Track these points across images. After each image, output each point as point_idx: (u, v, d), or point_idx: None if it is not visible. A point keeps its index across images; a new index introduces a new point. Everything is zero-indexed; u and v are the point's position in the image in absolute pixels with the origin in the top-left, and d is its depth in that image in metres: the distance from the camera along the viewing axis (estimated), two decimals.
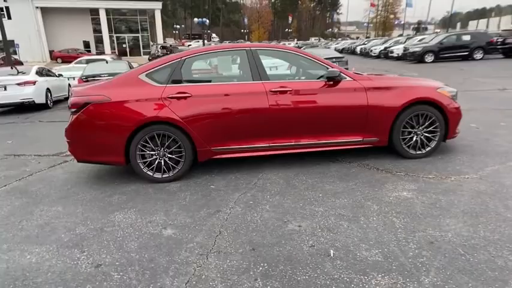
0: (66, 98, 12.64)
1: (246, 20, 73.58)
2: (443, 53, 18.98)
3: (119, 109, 3.64)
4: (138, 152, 3.70)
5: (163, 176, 3.79)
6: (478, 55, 18.73)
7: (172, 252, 2.46)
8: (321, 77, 3.93)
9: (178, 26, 69.80)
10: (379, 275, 2.09)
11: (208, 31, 64.82)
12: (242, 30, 78.00)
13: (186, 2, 78.90)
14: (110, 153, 3.74)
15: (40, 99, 10.00)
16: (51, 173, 4.42)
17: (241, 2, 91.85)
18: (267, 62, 10.97)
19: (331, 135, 3.93)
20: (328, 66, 3.91)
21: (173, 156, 3.77)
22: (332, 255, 2.31)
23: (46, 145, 5.93)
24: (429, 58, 19.17)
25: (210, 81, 3.93)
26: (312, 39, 69.01)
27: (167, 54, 33.72)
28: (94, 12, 33.87)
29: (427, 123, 4.00)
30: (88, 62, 14.80)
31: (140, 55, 35.21)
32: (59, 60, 30.40)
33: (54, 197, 3.61)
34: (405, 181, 3.47)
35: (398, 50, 22.82)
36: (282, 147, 3.90)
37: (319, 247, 2.42)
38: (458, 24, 48.58)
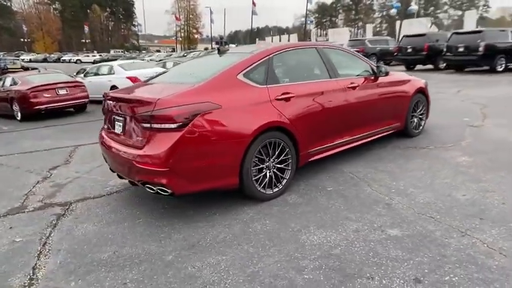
0: None
1: (25, 28, 60.90)
2: None
3: (233, 117, 2.95)
4: (252, 167, 3.09)
5: (274, 190, 3.30)
6: None
7: (445, 247, 2.42)
8: (358, 74, 4.35)
9: None
10: None
11: None
12: (22, 39, 64.38)
13: None
14: (224, 174, 2.96)
15: None
16: (81, 234, 2.95)
17: (9, 3, 75.35)
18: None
19: (379, 123, 4.45)
20: (371, 64, 4.41)
21: (282, 166, 3.35)
22: None
23: None
24: None
25: (297, 79, 3.64)
26: (112, 52, 64.93)
27: None
28: None
29: (420, 108, 5.14)
30: None
31: None
32: None
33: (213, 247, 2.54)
34: (446, 151, 4.42)
35: None
36: (355, 140, 4.12)
37: None
38: (257, 40, 57.61)
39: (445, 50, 13.81)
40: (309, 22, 51.04)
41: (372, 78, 4.36)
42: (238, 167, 2.99)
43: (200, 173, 2.85)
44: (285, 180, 3.38)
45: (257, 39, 59.36)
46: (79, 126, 8.09)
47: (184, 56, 32.65)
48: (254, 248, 2.52)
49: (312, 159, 3.70)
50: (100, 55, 54.60)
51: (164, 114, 2.70)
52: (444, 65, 14.74)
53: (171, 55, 37.78)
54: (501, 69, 12.99)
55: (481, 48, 12.66)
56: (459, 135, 5.07)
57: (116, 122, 3.26)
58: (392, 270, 2.18)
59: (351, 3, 73.99)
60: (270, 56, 3.44)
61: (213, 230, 2.81)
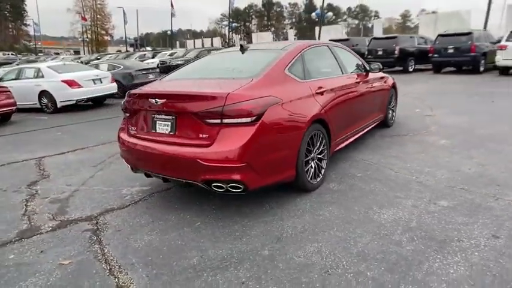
0: None
1: None
2: None
3: (291, 110, 3.03)
4: (304, 159, 3.18)
5: (317, 180, 3.45)
6: None
7: (492, 209, 2.87)
8: (356, 70, 4.76)
9: None
10: None
11: None
12: None
13: None
14: (286, 167, 3.02)
15: None
16: (143, 246, 2.68)
17: None
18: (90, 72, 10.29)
19: (373, 115, 4.93)
20: (363, 61, 4.85)
21: (321, 156, 3.50)
22: None
23: None
24: None
25: (321, 74, 3.79)
26: (1, 54, 56.30)
27: None
28: None
29: (393, 101, 5.81)
30: None
31: None
32: None
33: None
34: (425, 136, 5.10)
35: (153, 64, 24.02)
36: (361, 129, 4.51)
37: None
38: (177, 43, 55.65)
39: (366, 53, 15.54)
40: (232, 26, 51.59)
41: (364, 74, 4.80)
42: (295, 159, 3.07)
43: (269, 167, 2.85)
44: (323, 170, 3.55)
45: (177, 42, 57.74)
46: (19, 138, 6.97)
47: (98, 58, 29.99)
48: (340, 232, 2.63)
49: (336, 149, 3.94)
50: None
51: (239, 109, 2.63)
52: None
53: (80, 58, 34.26)
54: (411, 70, 15.16)
55: (396, 52, 14.60)
56: (424, 124, 5.88)
57: (159, 122, 3.02)
58: (470, 232, 2.53)
59: (263, 9, 77.63)
60: (302, 52, 3.58)
61: (285, 222, 2.84)
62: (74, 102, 9.70)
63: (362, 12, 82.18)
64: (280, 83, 3.10)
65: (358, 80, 4.42)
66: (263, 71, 3.08)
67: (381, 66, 4.97)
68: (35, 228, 3.05)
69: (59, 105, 9.64)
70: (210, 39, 46.90)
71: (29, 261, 2.53)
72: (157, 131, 3.03)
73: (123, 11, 40.78)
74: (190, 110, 2.79)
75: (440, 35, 14.47)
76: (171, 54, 24.89)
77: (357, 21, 77.86)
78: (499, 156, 4.11)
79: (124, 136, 3.36)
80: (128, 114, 3.35)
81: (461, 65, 14.00)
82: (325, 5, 29.87)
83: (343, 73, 4.20)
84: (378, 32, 26.40)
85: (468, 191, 3.20)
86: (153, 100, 2.96)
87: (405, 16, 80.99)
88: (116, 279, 2.26)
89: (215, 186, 2.75)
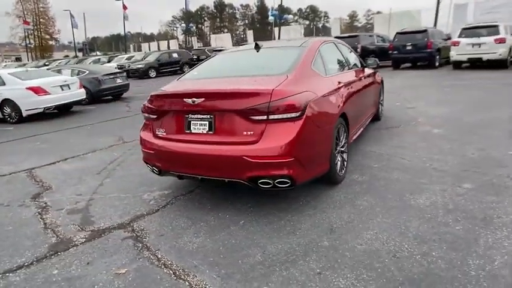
0: None
1: None
2: (162, 68, 21.56)
3: (324, 105, 3.12)
4: (335, 152, 3.28)
5: (343, 172, 3.56)
6: (186, 69, 22.89)
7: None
8: (354, 65, 4.95)
9: None
10: None
11: None
12: None
13: None
14: (323, 160, 3.10)
15: None
16: (198, 247, 2.61)
17: None
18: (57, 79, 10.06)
19: (371, 107, 5.16)
20: (359, 57, 5.07)
21: (343, 149, 3.61)
22: None
23: None
24: (152, 73, 21.13)
25: (335, 70, 3.89)
26: None
27: None
28: None
29: (381, 95, 6.11)
30: None
31: None
32: None
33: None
34: (418, 127, 5.44)
35: (110, 69, 23.00)
36: (365, 122, 4.71)
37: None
38: (131, 46, 53.32)
39: None
40: (191, 28, 50.56)
41: (361, 69, 5.01)
42: (330, 152, 3.15)
43: (312, 161, 2.91)
44: (345, 163, 3.67)
45: (131, 45, 55.55)
46: None
47: (46, 65, 28.08)
48: (387, 219, 2.75)
49: (351, 141, 4.08)
50: None
51: (286, 104, 2.65)
52: None
53: (25, 65, 31.83)
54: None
55: (358, 50, 15.28)
56: (410, 115, 6.26)
57: (193, 121, 2.94)
58: (504, 209, 2.76)
59: (215, 11, 77.54)
60: (319, 48, 3.67)
61: (329, 214, 2.91)
62: (42, 110, 9.04)
63: (312, 13, 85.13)
64: (310, 79, 3.16)
65: (361, 75, 4.61)
66: (293, 68, 3.13)
67: (378, 62, 5.23)
68: (66, 240, 2.84)
69: (24, 114, 8.90)
70: (166, 42, 45.69)
71: (78, 275, 2.36)
72: (193, 131, 2.96)
73: (71, 14, 38.16)
74: (232, 107, 2.76)
75: (399, 32, 15.39)
76: (128, 58, 24.02)
77: (307, 22, 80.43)
78: (492, 140, 4.50)
79: (150, 139, 3.23)
80: (153, 116, 3.21)
81: (419, 60, 14.99)
82: (276, 6, 30.43)
83: (348, 68, 4.36)
84: (335, 32, 27.49)
85: (483, 173, 3.48)
86: (189, 100, 2.87)
87: (353, 16, 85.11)
88: (187, 283, 2.18)
89: (262, 182, 2.74)
